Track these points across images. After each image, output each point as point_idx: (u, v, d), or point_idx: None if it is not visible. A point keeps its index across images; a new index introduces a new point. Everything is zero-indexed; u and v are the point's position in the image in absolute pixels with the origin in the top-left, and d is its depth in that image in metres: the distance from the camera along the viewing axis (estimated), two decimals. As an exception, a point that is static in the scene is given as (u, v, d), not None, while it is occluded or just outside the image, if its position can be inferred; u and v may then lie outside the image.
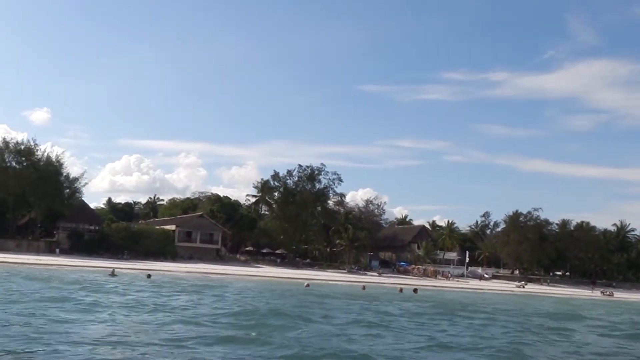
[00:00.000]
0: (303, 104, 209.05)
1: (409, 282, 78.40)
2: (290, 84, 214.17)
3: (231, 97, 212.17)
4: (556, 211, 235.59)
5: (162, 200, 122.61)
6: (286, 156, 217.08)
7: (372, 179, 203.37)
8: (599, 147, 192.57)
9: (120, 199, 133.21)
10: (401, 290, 46.68)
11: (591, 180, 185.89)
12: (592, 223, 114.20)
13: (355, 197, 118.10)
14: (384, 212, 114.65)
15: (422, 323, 24.49)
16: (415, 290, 49.99)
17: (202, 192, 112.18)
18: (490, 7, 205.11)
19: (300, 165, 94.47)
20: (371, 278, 76.49)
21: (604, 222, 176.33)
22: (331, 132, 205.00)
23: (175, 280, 46.17)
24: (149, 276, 46.29)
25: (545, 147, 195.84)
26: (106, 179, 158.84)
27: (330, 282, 62.30)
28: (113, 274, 45.31)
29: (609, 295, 79.19)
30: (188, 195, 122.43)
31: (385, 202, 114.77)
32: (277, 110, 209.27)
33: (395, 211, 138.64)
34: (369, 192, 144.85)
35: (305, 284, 48.50)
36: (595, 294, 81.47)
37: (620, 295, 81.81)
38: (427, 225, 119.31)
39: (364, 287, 47.88)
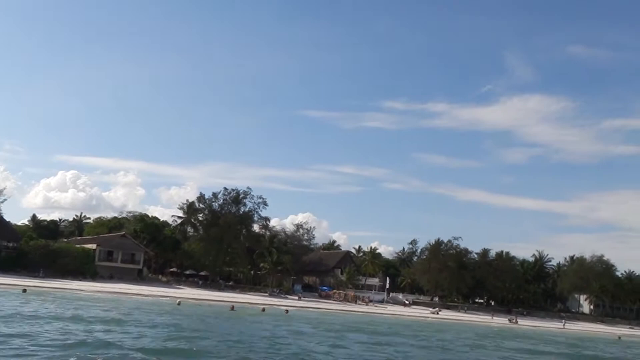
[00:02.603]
0: (246, 127, 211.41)
1: (328, 306, 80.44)
2: (233, 106, 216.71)
3: (173, 116, 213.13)
4: (489, 241, 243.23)
5: (89, 218, 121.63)
6: (227, 178, 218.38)
7: (312, 204, 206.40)
8: (532, 180, 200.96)
9: (54, 215, 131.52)
10: (264, 309, 53.72)
11: (525, 212, 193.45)
12: (525, 254, 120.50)
13: (295, 220, 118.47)
14: (314, 237, 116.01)
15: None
16: (286, 311, 54.99)
17: (130, 212, 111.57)
18: (432, 40, 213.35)
19: (225, 188, 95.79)
20: (282, 301, 77.63)
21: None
22: (273, 155, 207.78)
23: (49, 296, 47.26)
24: (24, 291, 48.61)
25: (482, 177, 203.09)
26: (40, 195, 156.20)
27: (207, 301, 63.17)
28: None
29: (514, 322, 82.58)
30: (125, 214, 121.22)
31: (314, 227, 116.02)
32: (219, 131, 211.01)
33: (334, 236, 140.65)
34: (309, 217, 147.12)
35: (177, 302, 52.02)
36: (497, 320, 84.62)
37: (527, 322, 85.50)
38: (354, 251, 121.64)
39: (232, 308, 51.67)
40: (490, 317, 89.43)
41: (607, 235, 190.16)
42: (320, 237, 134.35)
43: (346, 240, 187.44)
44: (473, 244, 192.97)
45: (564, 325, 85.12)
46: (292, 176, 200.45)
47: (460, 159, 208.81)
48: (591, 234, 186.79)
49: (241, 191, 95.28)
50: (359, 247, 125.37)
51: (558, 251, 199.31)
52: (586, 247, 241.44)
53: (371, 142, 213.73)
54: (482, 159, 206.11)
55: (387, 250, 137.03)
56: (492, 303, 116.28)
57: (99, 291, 62.46)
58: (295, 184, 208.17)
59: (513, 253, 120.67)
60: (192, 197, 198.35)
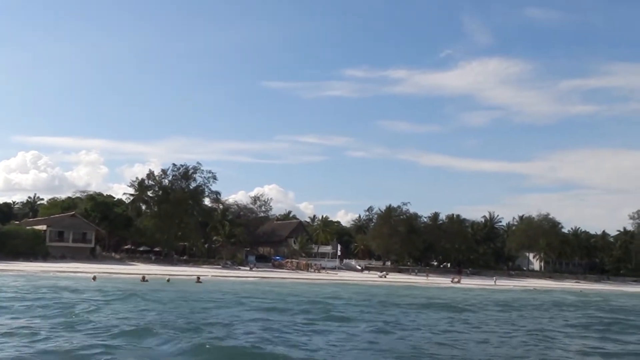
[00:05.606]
0: (207, 100, 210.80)
1: (279, 275, 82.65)
2: (194, 80, 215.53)
3: (134, 92, 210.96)
4: (453, 204, 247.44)
5: (43, 199, 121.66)
6: (191, 153, 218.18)
7: (278, 175, 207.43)
8: (494, 142, 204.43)
9: (16, 197, 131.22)
10: (168, 280, 54.26)
11: (488, 174, 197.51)
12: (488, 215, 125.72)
13: (261, 192, 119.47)
14: (271, 209, 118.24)
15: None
16: (197, 279, 57.03)
17: (83, 192, 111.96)
18: (389, 6, 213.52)
19: (174, 164, 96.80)
20: (234, 272, 79.75)
21: (504, 214, 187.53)
22: (236, 128, 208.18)
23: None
24: None
25: (445, 142, 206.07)
26: (0, 177, 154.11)
27: (124, 275, 63.87)
28: None
29: (456, 282, 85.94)
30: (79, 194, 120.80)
31: (271, 199, 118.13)
32: (181, 106, 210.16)
33: (301, 207, 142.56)
34: (274, 188, 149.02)
35: (92, 277, 52.04)
36: (438, 280, 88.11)
37: (470, 281, 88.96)
38: (309, 220, 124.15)
39: (143, 279, 52.70)
40: (425, 277, 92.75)
41: (567, 194, 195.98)
42: (287, 208, 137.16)
43: (313, 210, 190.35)
44: (436, 208, 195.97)
45: (495, 282, 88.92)
46: (257, 148, 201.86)
47: (423, 124, 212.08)
48: (552, 193, 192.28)
49: (190, 167, 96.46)
50: (314, 216, 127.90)
51: (521, 212, 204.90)
52: (547, 206, 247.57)
53: (333, 111, 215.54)
54: (444, 123, 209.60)
55: (352, 218, 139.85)
56: (448, 265, 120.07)
57: (40, 271, 63.44)
58: (259, 156, 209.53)
59: (476, 215, 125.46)
60: (157, 174, 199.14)
